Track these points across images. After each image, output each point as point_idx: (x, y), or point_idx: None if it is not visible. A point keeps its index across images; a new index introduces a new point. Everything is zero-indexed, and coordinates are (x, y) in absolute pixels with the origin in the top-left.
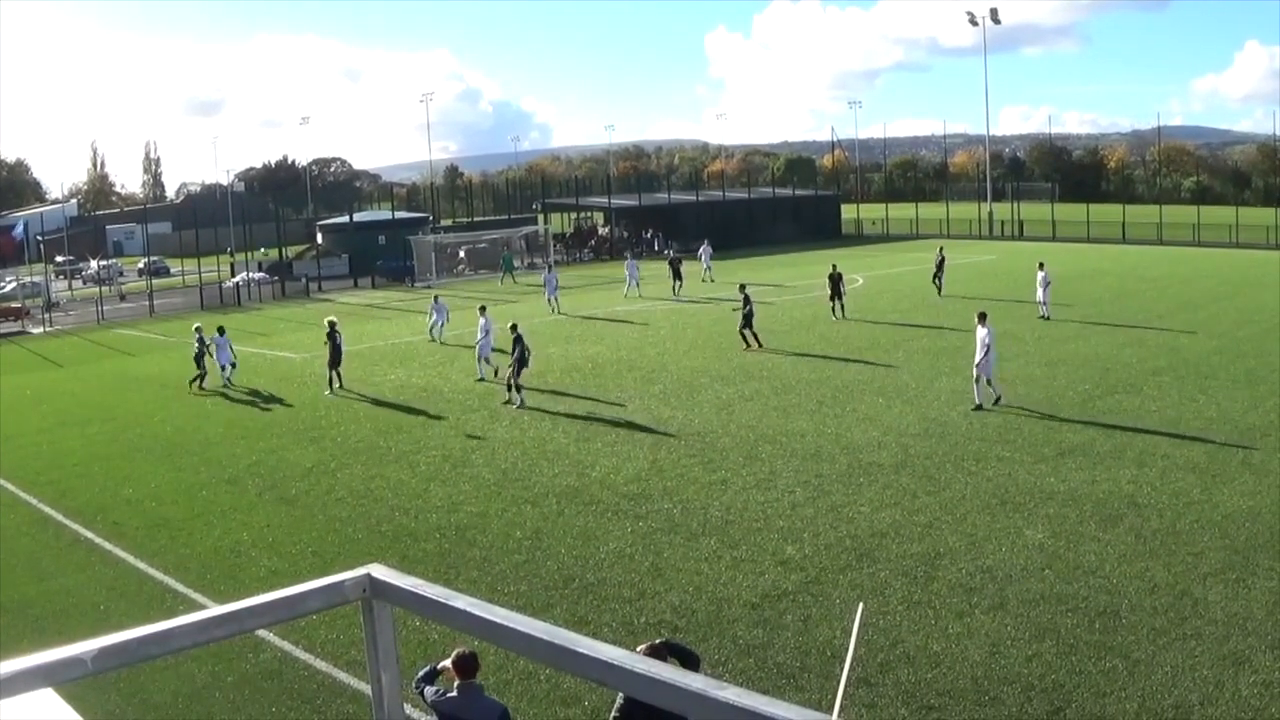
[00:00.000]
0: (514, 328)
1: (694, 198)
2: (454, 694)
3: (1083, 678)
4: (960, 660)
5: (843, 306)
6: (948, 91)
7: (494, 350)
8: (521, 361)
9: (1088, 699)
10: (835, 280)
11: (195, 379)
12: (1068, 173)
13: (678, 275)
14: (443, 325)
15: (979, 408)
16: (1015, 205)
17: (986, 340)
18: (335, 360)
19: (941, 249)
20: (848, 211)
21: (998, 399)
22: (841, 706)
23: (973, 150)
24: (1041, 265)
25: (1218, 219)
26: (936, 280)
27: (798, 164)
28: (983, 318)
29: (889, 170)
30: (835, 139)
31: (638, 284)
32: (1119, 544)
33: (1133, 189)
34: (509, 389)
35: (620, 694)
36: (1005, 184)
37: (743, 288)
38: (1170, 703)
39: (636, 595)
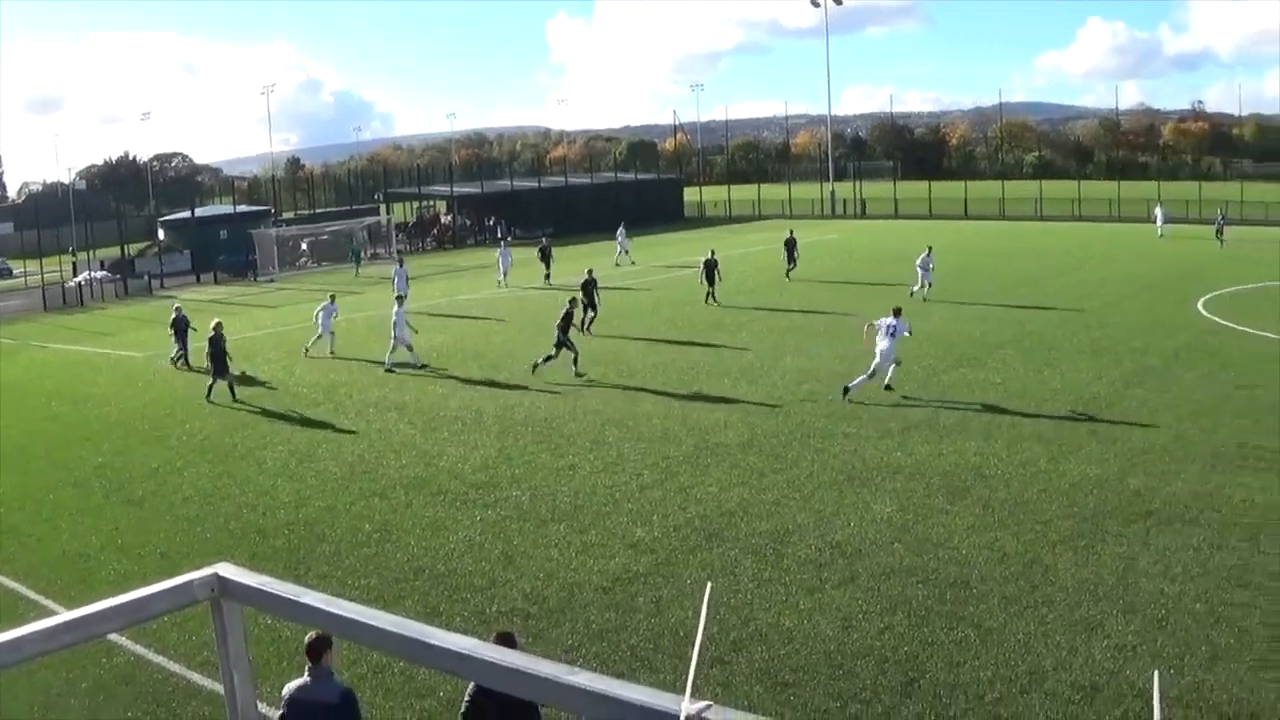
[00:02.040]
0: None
1: (536, 184)
2: (305, 679)
3: (936, 648)
4: (813, 636)
5: (714, 293)
6: (790, 73)
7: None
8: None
9: (941, 669)
10: (710, 266)
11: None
12: (910, 151)
13: (547, 262)
14: (330, 333)
15: (889, 387)
16: (857, 184)
17: (902, 330)
18: (221, 368)
19: (791, 231)
20: (690, 194)
21: (869, 379)
22: (694, 687)
23: (815, 131)
24: (929, 249)
25: (1060, 193)
26: (791, 263)
27: (640, 148)
28: (898, 312)
29: (731, 152)
30: (677, 122)
31: (507, 273)
32: (967, 515)
33: (975, 165)
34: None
35: (472, 683)
36: (847, 163)
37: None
38: (1024, 669)
39: (488, 584)
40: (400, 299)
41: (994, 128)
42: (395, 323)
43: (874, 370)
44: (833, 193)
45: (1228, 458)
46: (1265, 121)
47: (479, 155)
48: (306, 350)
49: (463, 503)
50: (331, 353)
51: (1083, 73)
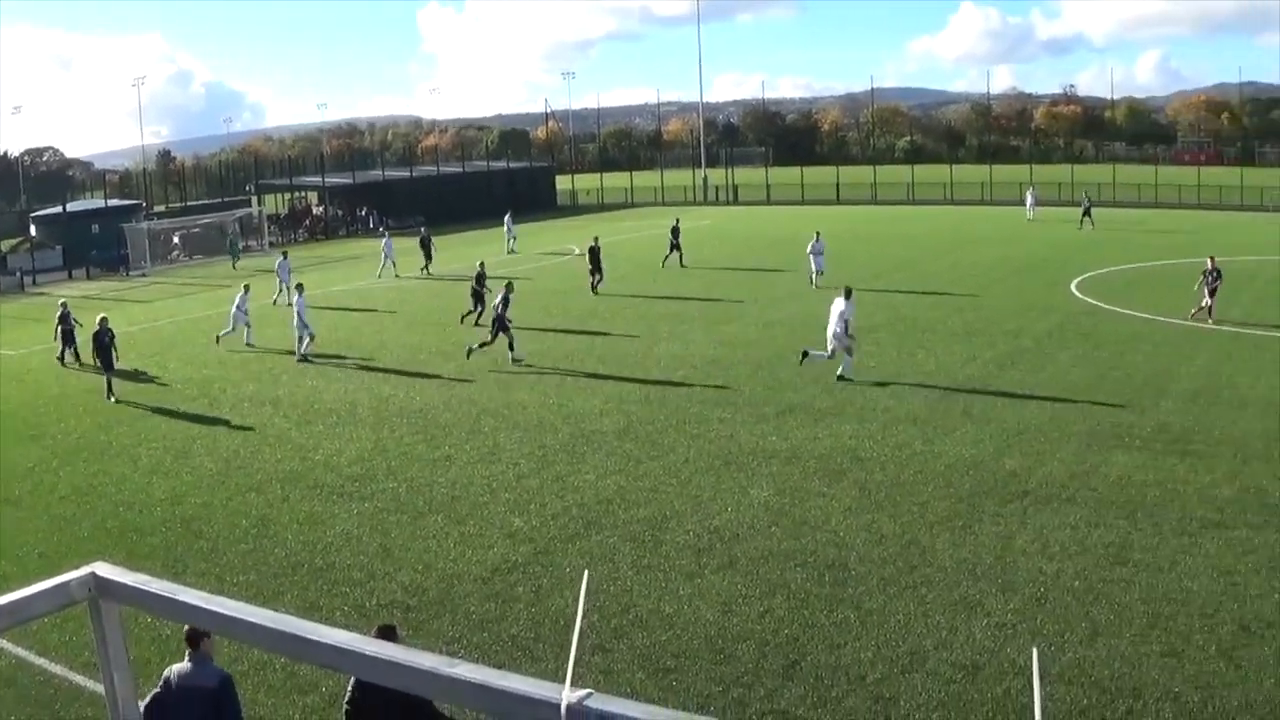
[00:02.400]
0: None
1: (408, 174)
2: (185, 665)
3: (816, 630)
4: (693, 621)
5: (595, 284)
6: (662, 60)
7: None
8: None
9: (822, 651)
10: (595, 253)
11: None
12: (781, 137)
13: (428, 253)
14: (240, 324)
15: (842, 378)
16: (730, 171)
17: (845, 314)
18: (107, 363)
19: (678, 219)
20: (563, 182)
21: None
22: (574, 675)
23: (687, 118)
24: (818, 234)
25: (932, 177)
26: (672, 251)
27: (512, 136)
28: (848, 293)
29: (603, 140)
30: (549, 110)
31: (394, 263)
32: (844, 498)
33: (847, 151)
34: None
35: (353, 678)
36: (720, 150)
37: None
38: (905, 650)
39: (366, 577)
40: (300, 287)
41: (866, 113)
42: (298, 312)
43: (832, 351)
44: (705, 179)
45: (1103, 437)
46: (1137, 105)
47: (350, 145)
48: (249, 344)
49: (339, 496)
50: (217, 340)
51: (955, 58)
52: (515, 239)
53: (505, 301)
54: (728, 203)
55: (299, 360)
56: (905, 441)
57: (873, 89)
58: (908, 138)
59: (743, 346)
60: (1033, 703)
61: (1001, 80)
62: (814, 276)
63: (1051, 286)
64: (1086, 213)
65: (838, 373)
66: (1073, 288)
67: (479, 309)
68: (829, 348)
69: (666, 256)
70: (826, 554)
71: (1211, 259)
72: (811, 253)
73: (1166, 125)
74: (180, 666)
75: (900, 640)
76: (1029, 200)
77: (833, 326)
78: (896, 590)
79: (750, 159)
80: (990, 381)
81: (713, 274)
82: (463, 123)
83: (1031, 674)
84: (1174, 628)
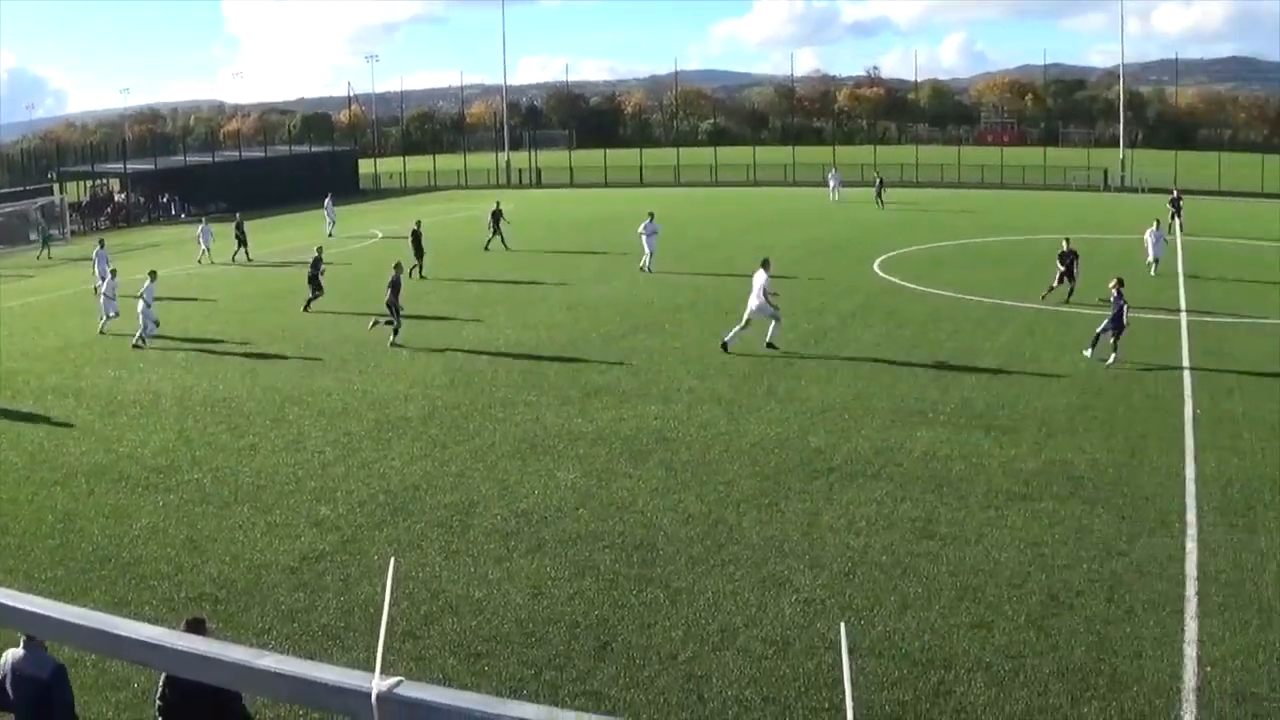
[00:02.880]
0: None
1: (210, 159)
2: (20, 651)
3: (626, 610)
4: (503, 605)
5: (421, 267)
6: (466, 43)
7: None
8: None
9: (633, 631)
10: (416, 238)
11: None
12: (585, 119)
13: (242, 241)
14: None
15: (770, 345)
16: (533, 153)
17: (765, 284)
18: None
19: (498, 202)
20: (365, 166)
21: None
22: (384, 663)
23: (490, 101)
24: (651, 215)
25: (735, 159)
26: (496, 234)
27: (314, 120)
28: (766, 264)
29: (406, 123)
30: (352, 94)
31: (207, 249)
32: (650, 478)
33: (650, 133)
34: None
35: (163, 673)
36: (523, 133)
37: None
38: (715, 627)
39: (174, 570)
40: (153, 274)
41: (669, 96)
42: (145, 299)
43: (747, 321)
44: (508, 162)
45: (907, 413)
46: (941, 86)
47: (153, 131)
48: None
49: (145, 488)
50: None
51: (759, 41)
52: (334, 222)
53: (395, 284)
54: (530, 185)
55: (134, 346)
56: (710, 421)
57: (676, 72)
58: (711, 120)
59: (547, 329)
60: (842, 677)
61: (805, 63)
62: (647, 259)
63: (854, 266)
64: (879, 194)
65: (766, 340)
66: (875, 267)
67: (317, 294)
68: (744, 319)
69: (489, 239)
70: (634, 535)
71: (1067, 240)
72: (644, 234)
73: (970, 106)
74: (15, 652)
75: (710, 618)
76: (831, 182)
77: (754, 298)
78: (705, 569)
79: (553, 142)
80: (794, 360)
81: (517, 257)
82: (266, 107)
83: (841, 648)
84: (983, 599)
